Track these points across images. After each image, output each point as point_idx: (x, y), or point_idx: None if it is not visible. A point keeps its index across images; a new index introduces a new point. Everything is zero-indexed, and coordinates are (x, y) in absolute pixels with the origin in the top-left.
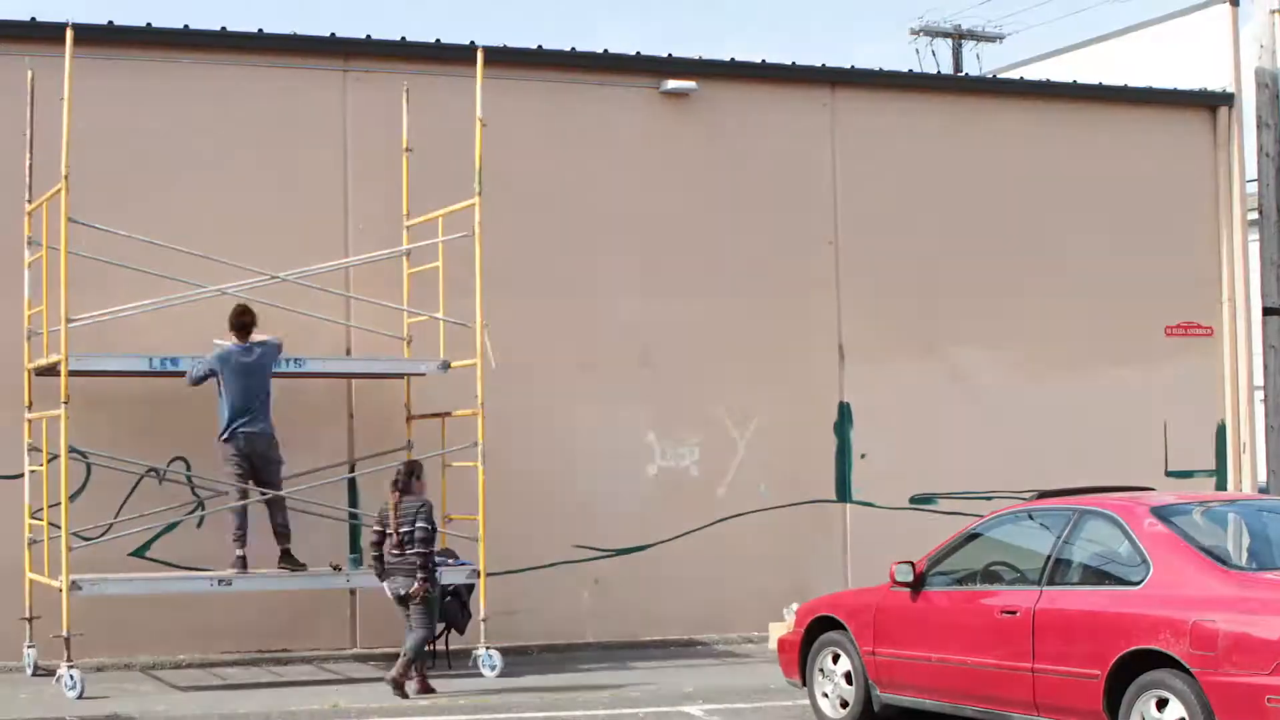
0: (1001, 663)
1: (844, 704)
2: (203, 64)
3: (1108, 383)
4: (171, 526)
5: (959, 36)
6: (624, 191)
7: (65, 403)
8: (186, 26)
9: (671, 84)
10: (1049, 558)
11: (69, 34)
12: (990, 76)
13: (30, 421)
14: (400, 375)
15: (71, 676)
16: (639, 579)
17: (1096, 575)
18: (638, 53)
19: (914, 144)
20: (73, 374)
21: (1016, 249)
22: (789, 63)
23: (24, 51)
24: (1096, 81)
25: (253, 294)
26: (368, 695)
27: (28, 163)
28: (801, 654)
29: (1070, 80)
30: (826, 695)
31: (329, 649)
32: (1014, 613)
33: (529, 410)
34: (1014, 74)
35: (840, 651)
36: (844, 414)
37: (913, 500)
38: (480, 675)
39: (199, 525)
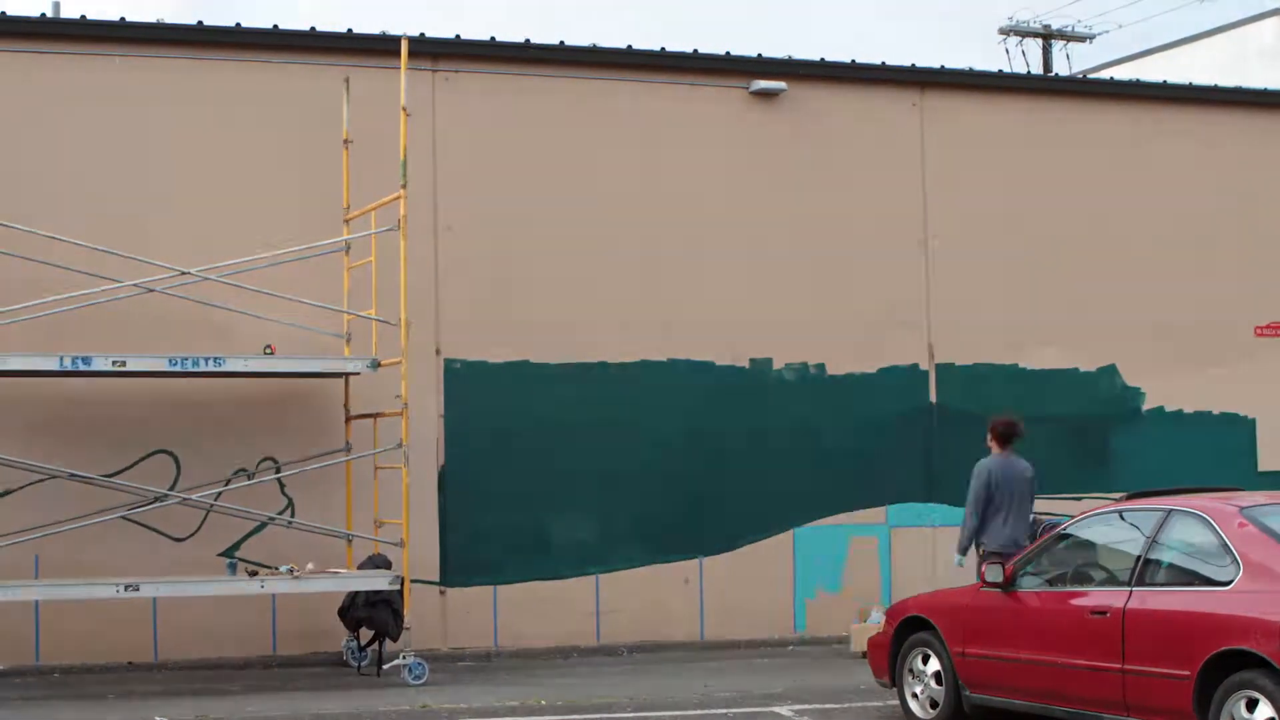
0: (1091, 663)
1: (934, 704)
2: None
3: (1197, 382)
4: (260, 527)
5: (1048, 36)
6: (712, 191)
7: None
8: (276, 26)
9: (761, 84)
10: (1139, 558)
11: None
12: (1080, 77)
13: None
14: (331, 375)
15: None
16: (728, 579)
17: (1186, 575)
18: (727, 53)
19: (1003, 144)
20: None
21: (1105, 248)
22: (878, 63)
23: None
24: (1186, 81)
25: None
26: (456, 695)
27: None
28: (891, 654)
29: (1160, 80)
30: (916, 695)
31: (418, 649)
32: (1104, 613)
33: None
34: (1103, 74)
35: (930, 652)
36: (931, 414)
37: None
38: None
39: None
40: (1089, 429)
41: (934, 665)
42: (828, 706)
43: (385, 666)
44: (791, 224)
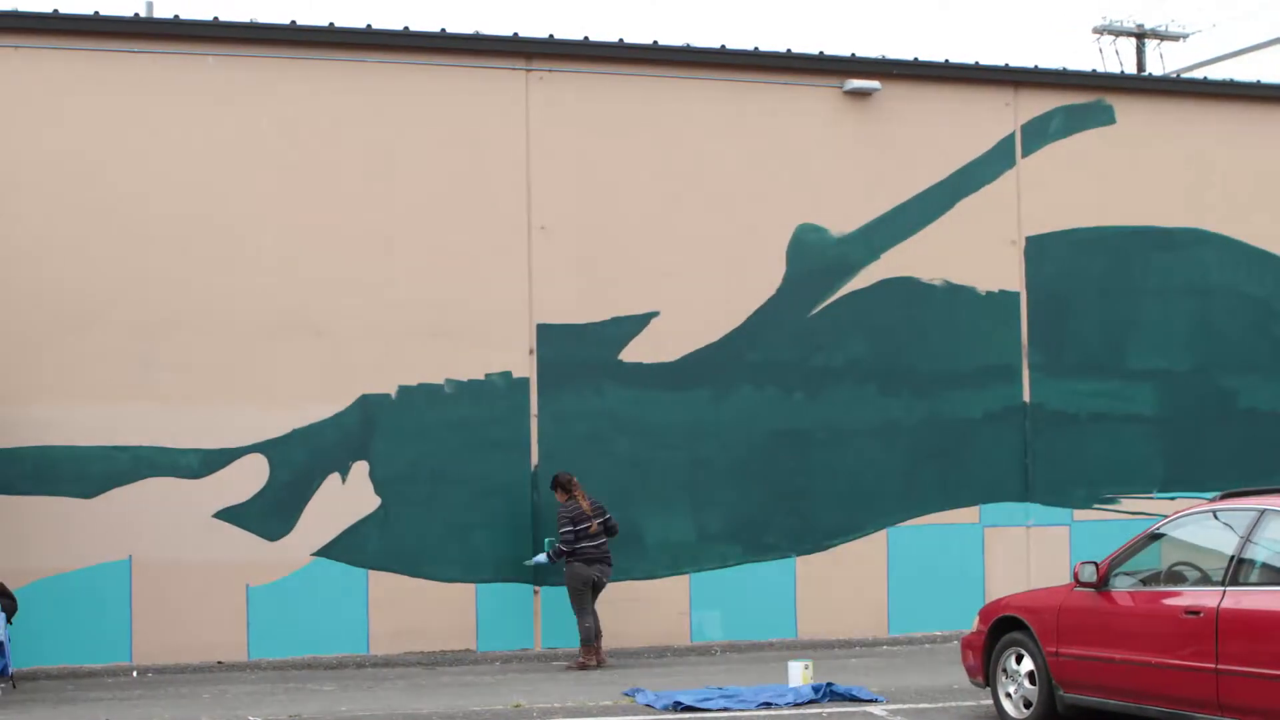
0: (1185, 663)
1: (1027, 704)
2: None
3: None
4: (353, 527)
5: (1141, 36)
6: (804, 190)
7: None
8: (369, 26)
9: (854, 83)
10: (1232, 557)
11: None
12: (1174, 76)
13: None
14: None
15: None
16: (822, 579)
17: None
18: (820, 52)
19: (1098, 143)
20: None
21: (1195, 251)
22: (972, 63)
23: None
24: None
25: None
26: (550, 694)
27: None
28: (985, 654)
29: (1254, 80)
30: (1010, 695)
31: (511, 649)
32: (1197, 613)
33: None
34: (1198, 73)
35: (1024, 652)
36: (1025, 414)
37: (1096, 501)
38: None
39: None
40: (1183, 426)
41: (1027, 665)
42: (921, 706)
43: None
44: (883, 222)
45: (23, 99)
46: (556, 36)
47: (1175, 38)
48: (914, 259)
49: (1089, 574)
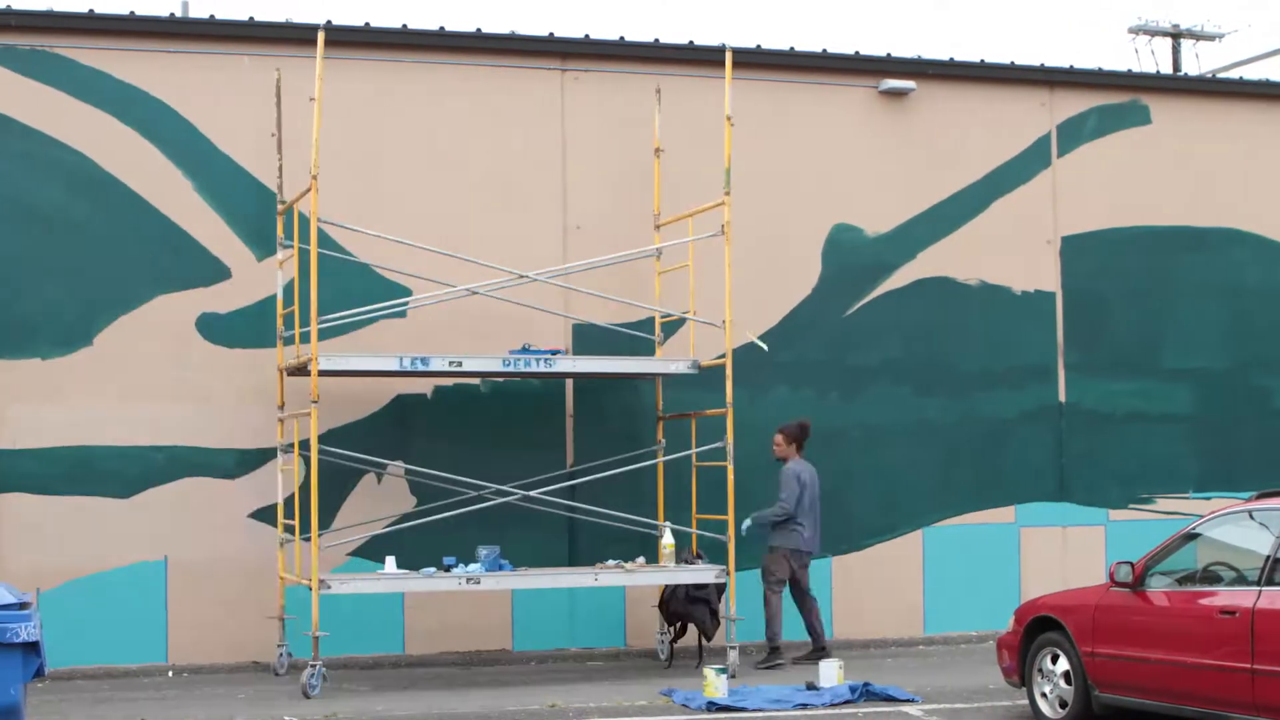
0: (1220, 663)
1: (1063, 704)
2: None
3: None
4: (391, 527)
5: (1177, 36)
6: (841, 190)
7: (315, 402)
8: (404, 26)
9: (889, 83)
10: (1268, 557)
11: (320, 36)
12: (1210, 76)
13: (282, 421)
14: (654, 375)
15: (318, 675)
16: (857, 578)
17: None
18: (856, 52)
19: (1133, 143)
20: (323, 374)
21: (1230, 251)
22: (1007, 62)
23: (273, 53)
24: None
25: (501, 293)
26: (586, 694)
27: (278, 164)
28: (1020, 654)
29: None
30: (1045, 695)
31: (547, 649)
32: (1233, 613)
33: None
34: (1234, 73)
35: (1059, 652)
36: (1061, 414)
37: (1132, 501)
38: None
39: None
40: (1218, 425)
41: (1063, 665)
42: (957, 706)
43: None
44: (919, 222)
45: (53, 98)
46: (592, 37)
47: (1211, 38)
48: (949, 259)
49: (1125, 574)
